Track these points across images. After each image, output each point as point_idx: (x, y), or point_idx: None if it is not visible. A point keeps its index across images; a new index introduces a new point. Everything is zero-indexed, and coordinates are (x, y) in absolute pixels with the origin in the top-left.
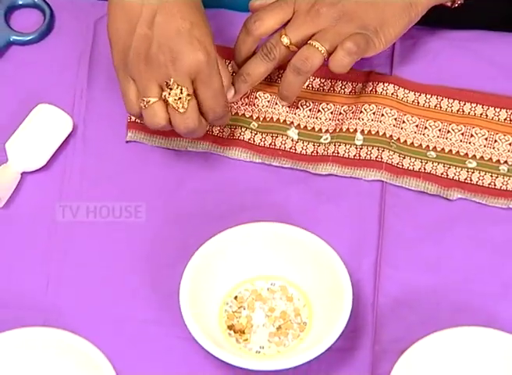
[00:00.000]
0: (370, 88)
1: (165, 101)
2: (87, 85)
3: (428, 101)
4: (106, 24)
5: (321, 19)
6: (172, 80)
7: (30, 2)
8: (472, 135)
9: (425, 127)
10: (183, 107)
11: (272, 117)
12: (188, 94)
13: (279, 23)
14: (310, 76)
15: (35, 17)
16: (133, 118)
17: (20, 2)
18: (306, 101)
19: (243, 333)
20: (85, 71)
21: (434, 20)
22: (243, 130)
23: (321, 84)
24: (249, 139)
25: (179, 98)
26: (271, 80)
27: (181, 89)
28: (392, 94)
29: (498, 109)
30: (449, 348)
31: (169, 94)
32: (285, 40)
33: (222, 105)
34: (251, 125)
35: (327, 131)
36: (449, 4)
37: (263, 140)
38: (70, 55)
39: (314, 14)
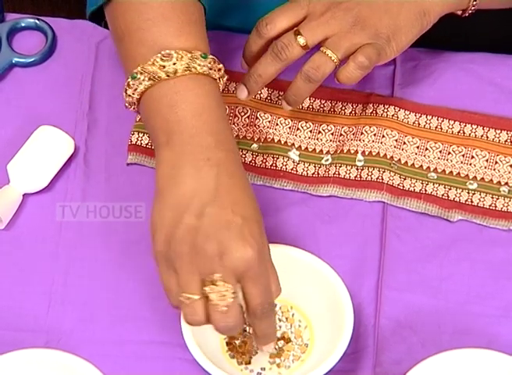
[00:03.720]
0: (370, 110)
1: (206, 297)
2: (88, 107)
3: (428, 122)
4: (152, 207)
5: (336, 22)
6: (216, 275)
7: (32, 24)
8: (473, 157)
9: (426, 149)
10: (226, 306)
11: (272, 138)
12: (233, 292)
13: (291, 26)
14: (320, 83)
15: (37, 39)
16: (133, 140)
17: (22, 24)
18: (306, 123)
19: (244, 354)
20: (87, 93)
21: (435, 42)
22: (244, 152)
23: (322, 105)
24: (250, 161)
25: (223, 296)
26: (271, 101)
27: (226, 286)
28: (392, 115)
29: (498, 131)
30: (451, 370)
31: (212, 290)
32: (301, 40)
33: (269, 303)
34: (252, 147)
35: (328, 152)
36: (459, 13)
37: (264, 161)
38: (72, 77)
39: (329, 16)
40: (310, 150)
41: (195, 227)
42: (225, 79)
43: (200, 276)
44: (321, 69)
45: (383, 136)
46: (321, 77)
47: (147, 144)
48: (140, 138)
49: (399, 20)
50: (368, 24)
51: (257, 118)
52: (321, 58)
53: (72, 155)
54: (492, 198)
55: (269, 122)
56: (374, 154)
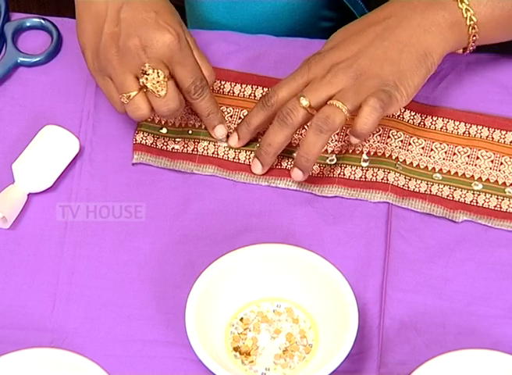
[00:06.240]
0: None
1: (145, 88)
2: (93, 106)
3: (434, 123)
4: (76, 31)
5: (338, 81)
6: (147, 65)
7: (37, 24)
8: (478, 157)
9: (431, 149)
10: (162, 90)
11: None
12: (165, 77)
13: (293, 95)
14: (331, 136)
15: (42, 39)
16: (138, 140)
17: (28, 24)
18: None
19: (249, 355)
20: (92, 92)
21: None
22: (248, 153)
23: None
24: None
25: (158, 82)
26: None
27: (157, 72)
28: (398, 116)
29: (504, 132)
30: (455, 371)
31: (147, 79)
32: (304, 101)
33: (200, 79)
34: (256, 147)
35: (333, 152)
36: (460, 51)
37: None
38: (77, 77)
39: (330, 77)
40: None
41: (115, 32)
42: None
43: (132, 73)
44: (331, 118)
45: (388, 136)
46: (332, 126)
47: (152, 143)
48: (144, 137)
49: (401, 65)
50: (371, 74)
51: None
52: (330, 108)
53: (77, 155)
54: (498, 199)
55: None
56: (379, 154)
